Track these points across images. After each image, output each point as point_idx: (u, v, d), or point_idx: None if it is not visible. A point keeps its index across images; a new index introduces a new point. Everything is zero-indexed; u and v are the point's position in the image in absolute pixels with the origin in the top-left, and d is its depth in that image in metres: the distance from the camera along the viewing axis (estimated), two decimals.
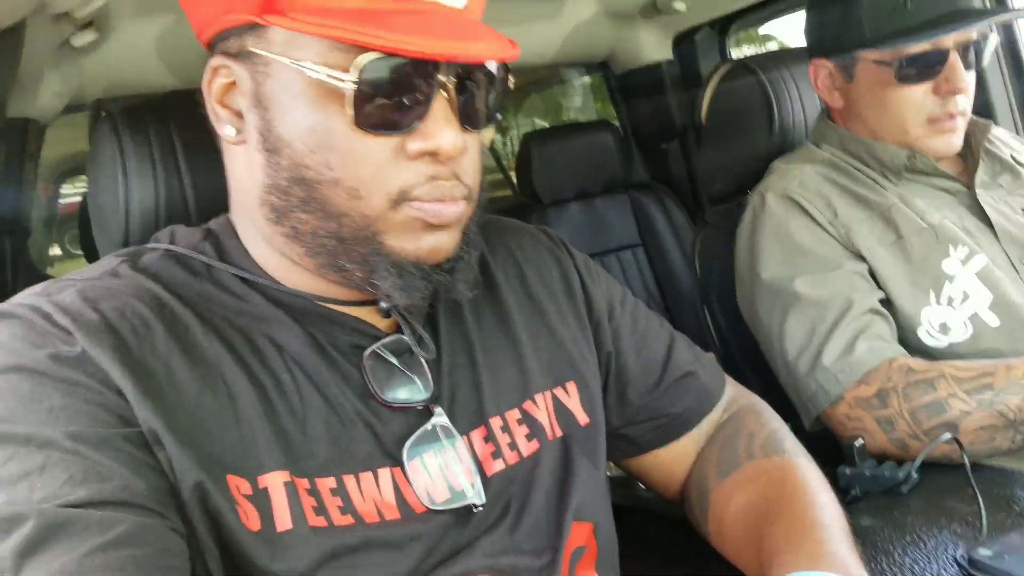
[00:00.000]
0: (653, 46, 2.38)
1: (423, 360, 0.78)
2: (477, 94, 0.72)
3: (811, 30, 1.39)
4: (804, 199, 1.28)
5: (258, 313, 0.74)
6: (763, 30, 2.79)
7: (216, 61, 0.72)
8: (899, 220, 1.25)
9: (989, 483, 0.95)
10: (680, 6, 2.04)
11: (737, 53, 2.44)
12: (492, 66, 0.72)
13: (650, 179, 2.61)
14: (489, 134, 0.84)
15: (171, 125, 0.96)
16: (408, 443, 0.74)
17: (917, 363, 1.12)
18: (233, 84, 0.72)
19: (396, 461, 0.73)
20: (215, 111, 0.73)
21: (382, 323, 0.79)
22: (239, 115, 0.72)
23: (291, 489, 0.67)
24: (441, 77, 0.68)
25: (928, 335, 1.19)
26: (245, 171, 0.74)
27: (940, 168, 1.30)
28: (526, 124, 4.90)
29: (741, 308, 1.39)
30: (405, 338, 0.77)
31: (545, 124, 4.40)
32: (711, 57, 2.36)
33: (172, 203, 0.95)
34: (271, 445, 0.68)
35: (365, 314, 0.78)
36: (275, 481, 0.67)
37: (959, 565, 0.81)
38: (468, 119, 0.71)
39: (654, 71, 2.41)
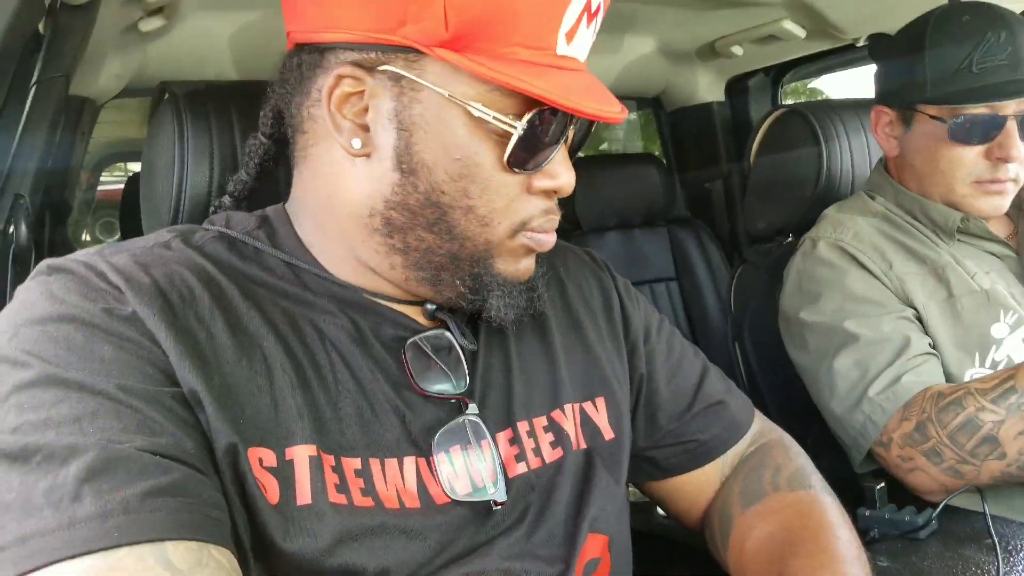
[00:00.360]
0: (706, 86, 2.42)
1: (461, 357, 0.81)
2: (576, 137, 0.82)
3: (879, 77, 1.42)
4: (858, 251, 1.30)
5: (303, 298, 0.77)
6: (813, 84, 2.82)
7: (345, 70, 0.72)
8: (952, 279, 1.26)
9: (1008, 535, 0.96)
10: (737, 51, 2.08)
11: (787, 102, 2.48)
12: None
13: (690, 215, 2.64)
14: None
15: (232, 114, 0.97)
16: (437, 435, 0.76)
17: (946, 387, 1.14)
18: (356, 94, 0.73)
19: (422, 451, 0.76)
20: (335, 120, 0.74)
21: (424, 323, 0.83)
22: (364, 128, 0.73)
23: (316, 464, 0.69)
24: (572, 127, 0.76)
25: None
26: (357, 180, 0.76)
27: (992, 233, 1.33)
28: None
29: (788, 349, 1.41)
30: (447, 334, 0.81)
31: (581, 154, 4.45)
32: (762, 102, 2.39)
33: (224, 187, 0.95)
34: (302, 418, 0.70)
35: (409, 312, 0.82)
36: (302, 454, 0.69)
37: None
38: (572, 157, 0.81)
39: (705, 110, 2.45)
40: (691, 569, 1.13)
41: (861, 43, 1.87)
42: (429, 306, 0.82)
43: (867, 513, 1.03)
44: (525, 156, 0.73)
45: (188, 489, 0.60)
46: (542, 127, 0.72)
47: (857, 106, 1.60)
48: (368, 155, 0.74)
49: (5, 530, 0.54)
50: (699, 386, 0.99)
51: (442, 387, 0.79)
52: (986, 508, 0.97)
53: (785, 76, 2.32)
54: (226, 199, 0.90)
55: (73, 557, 0.53)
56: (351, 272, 0.80)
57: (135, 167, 4.81)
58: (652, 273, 2.51)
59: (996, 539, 0.93)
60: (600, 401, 0.90)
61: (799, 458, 0.99)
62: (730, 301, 1.70)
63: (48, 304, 0.65)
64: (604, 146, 4.38)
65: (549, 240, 0.79)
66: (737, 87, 2.40)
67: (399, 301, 0.82)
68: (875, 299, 1.26)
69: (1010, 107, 1.23)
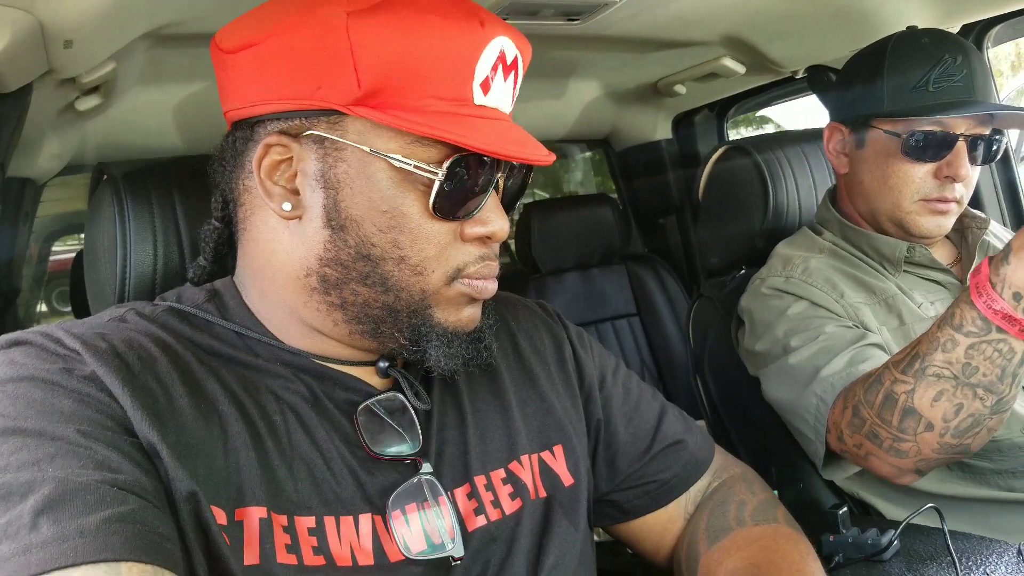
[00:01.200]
0: (653, 125, 2.48)
1: (415, 417, 0.82)
2: (511, 186, 0.84)
3: (834, 97, 1.47)
4: (809, 284, 1.33)
5: (256, 365, 0.78)
6: (763, 111, 2.89)
7: (272, 140, 0.75)
8: (901, 308, 1.30)
9: (968, 551, 0.98)
10: (680, 89, 2.14)
11: (734, 134, 2.54)
12: (528, 168, 0.85)
13: (647, 251, 2.68)
14: None
15: (174, 191, 0.97)
16: (393, 495, 0.77)
17: (872, 368, 1.16)
18: (285, 161, 0.76)
19: (378, 510, 0.76)
20: (265, 187, 0.77)
21: (377, 383, 0.84)
22: (295, 192, 0.76)
23: (266, 525, 0.69)
24: (499, 174, 0.78)
25: None
26: (291, 243, 0.78)
27: (936, 261, 1.36)
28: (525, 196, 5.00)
29: (752, 372, 1.43)
30: (399, 396, 0.82)
31: (544, 195, 4.51)
32: (709, 137, 2.45)
33: (170, 267, 0.96)
34: (254, 479, 0.70)
35: (362, 374, 0.83)
36: (252, 515, 0.69)
37: None
38: (507, 206, 0.82)
39: (654, 149, 2.51)
40: None
41: (800, 75, 1.93)
42: (382, 364, 0.83)
43: (831, 538, 1.05)
44: (451, 203, 0.75)
45: (144, 519, 0.60)
46: (466, 173, 0.74)
47: (800, 139, 1.64)
48: (300, 217, 0.77)
49: None
50: (657, 427, 1.00)
51: (396, 449, 0.80)
52: (944, 525, 0.99)
53: (730, 111, 2.38)
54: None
55: None
56: (299, 337, 0.81)
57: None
58: (613, 310, 2.54)
59: (955, 556, 0.95)
60: (558, 449, 0.91)
61: (763, 492, 1.00)
62: (689, 335, 1.72)
63: (8, 369, 0.67)
64: (566, 187, 4.43)
65: (488, 287, 0.80)
66: (684, 123, 2.46)
67: (351, 363, 0.83)
68: (830, 310, 1.29)
69: (961, 127, 1.28)
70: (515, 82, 0.80)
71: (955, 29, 1.72)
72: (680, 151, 2.48)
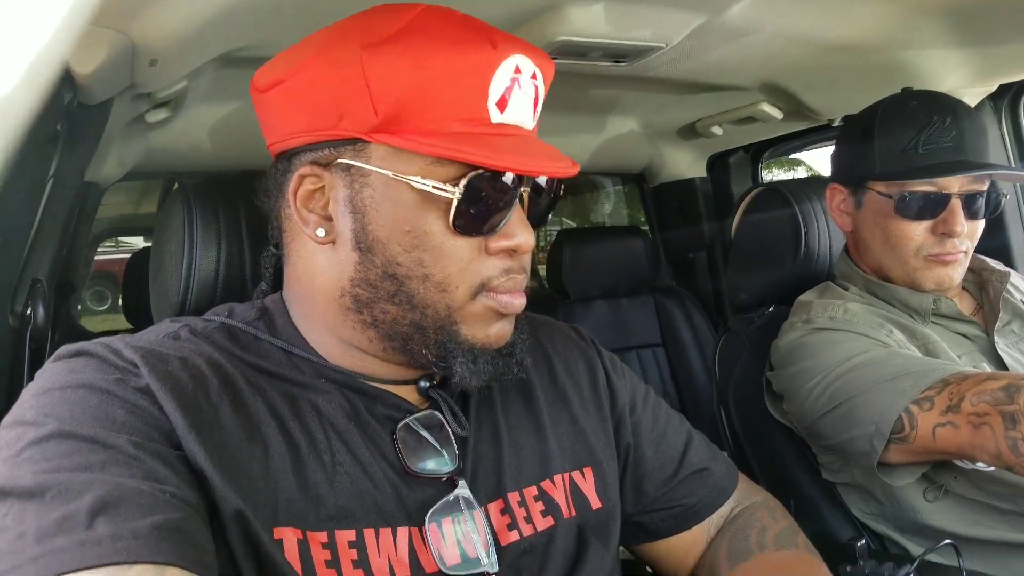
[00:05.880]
0: (687, 163, 2.54)
1: (451, 435, 0.85)
2: (540, 200, 0.86)
3: (834, 158, 1.53)
4: (854, 324, 1.35)
5: (301, 381, 0.82)
6: (795, 155, 2.94)
7: (305, 170, 0.80)
8: (941, 356, 1.32)
9: None
10: (717, 131, 2.20)
11: (766, 175, 2.60)
12: (556, 182, 0.86)
13: (675, 285, 2.73)
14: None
15: (239, 204, 1.02)
16: (431, 510, 0.80)
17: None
18: (318, 190, 0.81)
19: (416, 523, 0.79)
20: (301, 215, 0.81)
21: (417, 400, 0.87)
22: (328, 218, 0.81)
23: (303, 545, 0.72)
24: (523, 188, 0.81)
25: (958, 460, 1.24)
26: (326, 266, 0.82)
27: (963, 314, 1.40)
28: (553, 222, 5.08)
29: (777, 411, 1.46)
30: (437, 414, 0.85)
31: (572, 224, 4.58)
32: (743, 178, 2.51)
33: (231, 276, 1.01)
34: (292, 500, 0.73)
35: (403, 392, 0.87)
36: (290, 536, 0.72)
37: None
38: (535, 221, 0.84)
39: (687, 186, 2.58)
40: None
41: (836, 123, 1.99)
42: (423, 384, 0.87)
43: (848, 569, 1.09)
44: (472, 220, 0.77)
45: (190, 529, 0.63)
46: (483, 190, 0.76)
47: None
48: (333, 242, 0.81)
49: (20, 554, 0.57)
50: (684, 453, 1.04)
51: (434, 466, 0.82)
52: (960, 562, 1.03)
53: (764, 153, 2.44)
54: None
55: (85, 568, 0.56)
56: (341, 355, 0.85)
57: (128, 240, 4.92)
58: (638, 339, 2.59)
59: None
60: (588, 471, 0.94)
61: (784, 519, 1.04)
62: (715, 368, 1.77)
63: (66, 376, 0.71)
64: (595, 217, 4.50)
65: (515, 302, 0.82)
66: (718, 163, 2.52)
67: (392, 382, 0.86)
68: (885, 344, 1.30)
69: (954, 185, 1.32)
70: (536, 97, 0.82)
71: (992, 89, 1.77)
72: (714, 190, 2.54)
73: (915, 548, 1.33)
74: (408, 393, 0.87)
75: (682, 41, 1.44)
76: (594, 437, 0.97)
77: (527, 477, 0.89)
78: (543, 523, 0.87)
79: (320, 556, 0.72)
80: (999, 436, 1.06)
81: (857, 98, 1.75)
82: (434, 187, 0.76)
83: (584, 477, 0.94)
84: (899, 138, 1.35)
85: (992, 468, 1.22)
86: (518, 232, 0.80)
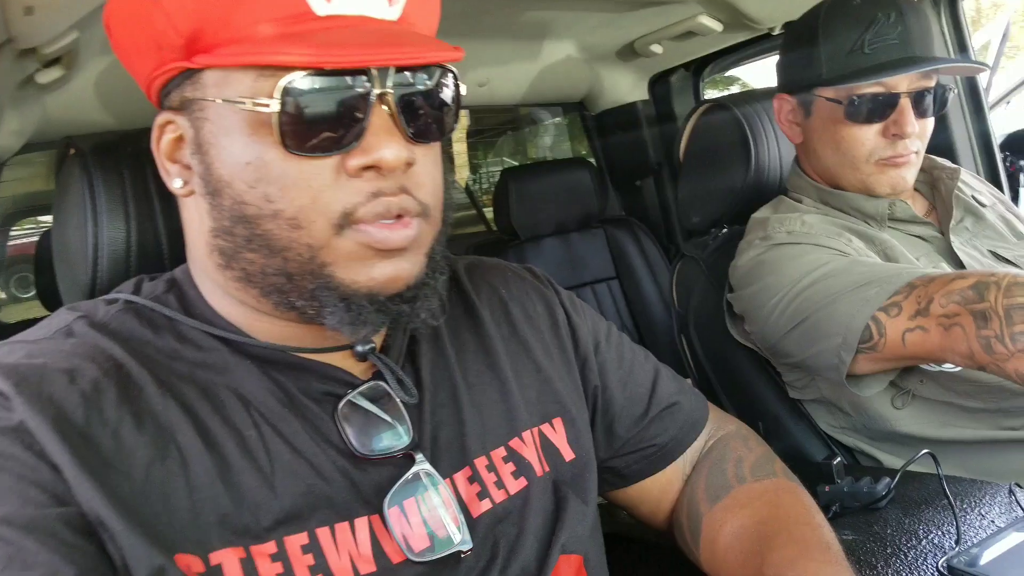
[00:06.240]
0: (628, 87, 2.46)
1: (401, 406, 0.76)
2: (423, 105, 0.69)
3: (779, 67, 1.47)
4: (812, 235, 1.30)
5: (222, 366, 0.71)
6: (731, 72, 2.88)
7: (162, 118, 0.72)
8: (900, 259, 1.29)
9: (962, 494, 1.00)
10: (657, 49, 2.12)
11: (708, 95, 2.53)
12: (443, 79, 0.70)
13: (625, 215, 2.68)
14: (459, 152, 0.84)
15: (146, 164, 0.91)
16: (390, 492, 0.71)
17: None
18: (178, 138, 0.71)
19: (375, 509, 0.71)
20: (164, 167, 0.73)
21: (358, 368, 0.77)
22: (187, 167, 0.71)
23: (248, 564, 0.64)
24: (376, 89, 0.65)
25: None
26: (195, 221, 0.73)
27: (918, 216, 1.37)
28: (495, 163, 4.99)
29: (739, 333, 1.42)
30: (383, 384, 0.76)
31: (514, 163, 4.49)
32: (685, 97, 2.44)
33: (144, 246, 0.91)
34: (226, 516, 0.64)
35: (339, 360, 0.76)
36: (230, 557, 0.63)
37: (940, 574, 0.85)
38: (417, 131, 0.69)
39: (629, 110, 2.49)
40: (661, 567, 1.13)
41: (777, 31, 1.92)
42: (359, 349, 0.75)
43: (826, 489, 1.06)
44: (305, 134, 0.64)
45: None
46: (308, 96, 0.63)
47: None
48: (193, 192, 0.71)
49: None
50: (652, 390, 0.99)
51: (387, 443, 0.73)
52: (939, 470, 1.00)
53: (705, 70, 2.37)
54: None
55: None
56: (256, 325, 0.74)
57: (47, 219, 4.68)
58: (592, 275, 2.54)
59: (952, 498, 0.96)
60: (557, 422, 0.88)
61: (759, 446, 1.00)
62: (673, 296, 1.72)
63: None
64: (537, 155, 4.42)
65: (392, 236, 0.67)
66: (659, 84, 2.44)
67: (323, 350, 0.75)
68: (847, 254, 1.26)
69: (903, 84, 1.27)
70: None
71: None
72: (656, 112, 2.47)
73: (887, 457, 1.31)
74: (344, 361, 0.77)
75: None
76: (560, 384, 0.90)
77: (493, 438, 0.81)
78: (516, 485, 0.80)
79: (270, 571, 0.64)
80: (971, 336, 1.03)
81: (798, 3, 1.68)
82: (254, 105, 0.64)
83: (554, 429, 0.87)
84: (844, 39, 1.29)
85: (959, 368, 1.19)
86: (377, 144, 0.65)
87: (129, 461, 0.62)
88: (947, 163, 1.45)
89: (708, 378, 1.59)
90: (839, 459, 1.09)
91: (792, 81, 1.41)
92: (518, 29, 1.99)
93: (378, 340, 0.80)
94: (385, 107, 0.66)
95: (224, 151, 0.67)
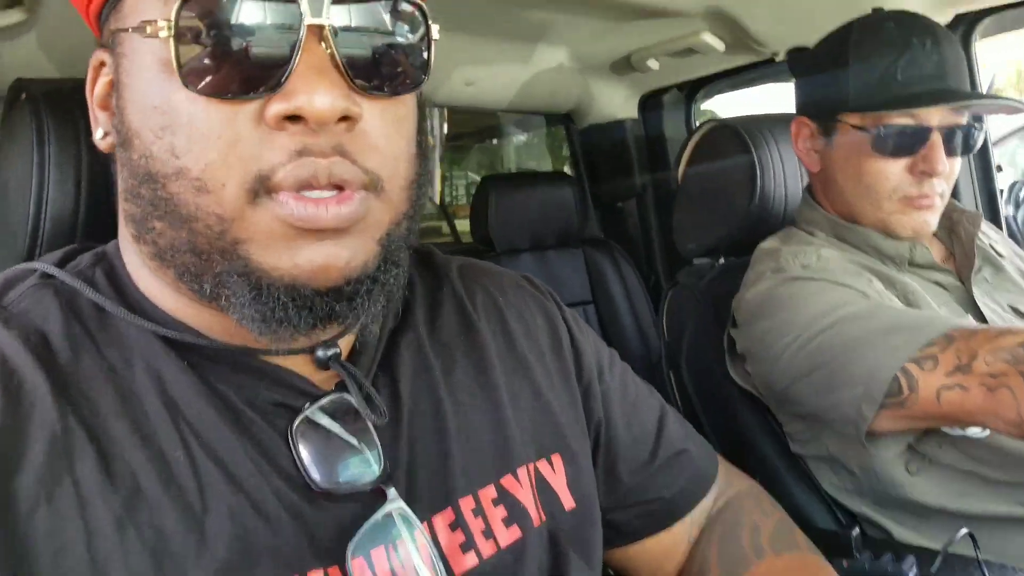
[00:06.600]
0: (619, 103, 2.35)
1: (370, 427, 0.62)
2: (378, 45, 0.56)
3: (800, 88, 1.36)
4: (830, 271, 1.18)
5: (147, 364, 0.57)
6: (707, 105, 2.75)
7: (95, 58, 0.61)
8: (921, 305, 1.18)
9: None
10: (653, 64, 2.01)
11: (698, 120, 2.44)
12: (405, 12, 0.57)
13: (604, 236, 2.56)
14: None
15: None
16: (354, 540, 0.57)
17: None
18: (110, 81, 0.60)
19: (334, 560, 0.56)
20: (95, 115, 0.62)
21: (319, 376, 0.63)
22: (114, 114, 0.59)
23: None
24: (310, 17, 0.52)
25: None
26: (118, 181, 0.61)
27: (938, 263, 1.27)
28: (459, 176, 4.85)
29: (739, 374, 1.30)
30: (349, 397, 0.61)
31: (477, 178, 4.35)
32: (677, 120, 2.33)
33: (96, 209, 0.80)
34: (137, 572, 0.50)
35: (297, 364, 0.62)
36: None
37: None
38: (366, 78, 0.54)
39: (618, 128, 2.38)
40: None
41: (780, 58, 1.82)
42: (320, 354, 0.62)
43: (844, 564, 0.94)
44: (210, 68, 0.51)
45: None
46: (219, 18, 0.51)
47: (787, 121, 1.53)
48: (112, 145, 0.59)
49: None
50: (659, 432, 0.85)
51: (353, 472, 0.59)
52: (978, 553, 0.89)
53: (699, 92, 2.26)
54: None
55: None
56: (193, 314, 0.60)
57: None
58: (568, 296, 2.41)
59: None
60: (556, 459, 0.73)
61: (774, 511, 0.88)
62: (663, 326, 1.60)
63: None
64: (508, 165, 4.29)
65: (318, 214, 0.52)
66: (651, 104, 2.33)
67: (278, 353, 0.61)
68: (868, 296, 1.14)
69: (935, 118, 1.17)
70: None
71: (948, 19, 1.63)
72: (646, 132, 2.36)
73: (895, 527, 1.19)
74: (303, 365, 0.63)
75: None
76: (562, 414, 0.75)
77: (483, 474, 0.67)
78: (507, 536, 0.65)
79: None
80: (1021, 400, 0.91)
81: (807, 27, 1.58)
82: (150, 31, 0.52)
83: (552, 468, 0.72)
84: (876, 64, 1.18)
85: (986, 434, 1.08)
86: (304, 88, 0.51)
87: (11, 505, 0.49)
88: (967, 208, 1.35)
89: (697, 420, 1.47)
90: (857, 530, 0.97)
91: (815, 104, 1.29)
92: (511, 29, 1.86)
93: (346, 344, 0.65)
94: (323, 43, 0.53)
95: (136, 92, 0.55)
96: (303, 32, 0.52)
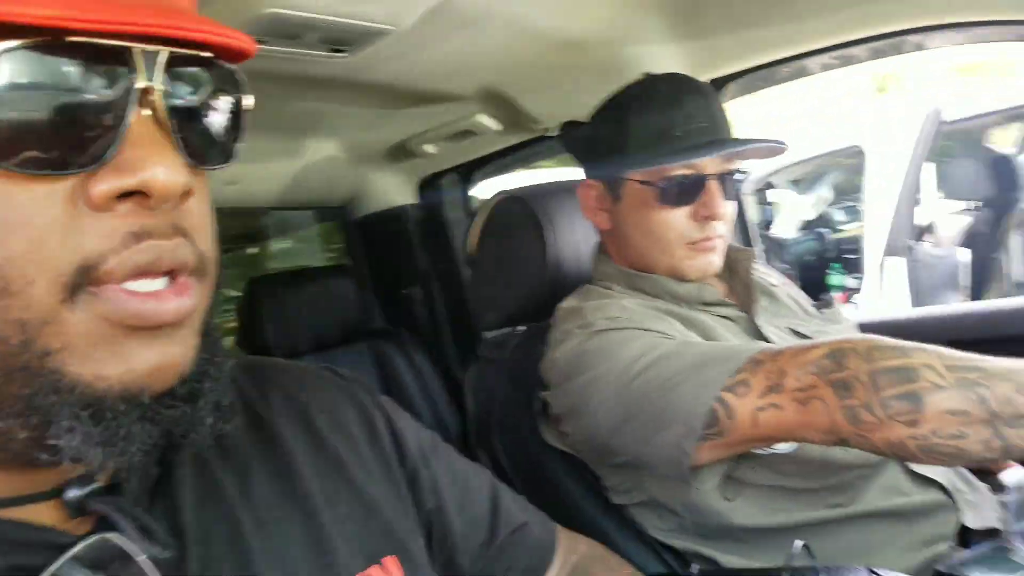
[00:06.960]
0: (396, 189, 2.34)
1: (150, 564, 0.51)
2: (204, 113, 0.50)
3: (581, 155, 1.43)
4: (633, 321, 1.22)
5: None
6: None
7: None
8: (719, 339, 1.25)
9: None
10: (430, 149, 2.03)
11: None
12: (228, 81, 0.52)
13: (390, 326, 2.52)
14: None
15: None
16: None
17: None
18: None
19: None
20: None
21: (68, 524, 0.52)
22: None
23: None
24: (140, 82, 0.45)
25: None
26: None
27: (724, 299, 1.36)
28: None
29: (579, 426, 1.27)
30: (113, 536, 0.50)
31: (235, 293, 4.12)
32: (456, 201, 2.36)
33: None
34: None
35: (42, 513, 0.51)
36: None
37: None
38: (196, 151, 0.49)
39: (398, 214, 2.36)
40: None
41: (552, 132, 1.91)
42: (71, 494, 0.51)
43: None
44: (24, 140, 0.42)
45: None
46: (30, 79, 0.42)
47: (571, 187, 1.60)
48: None
49: None
50: (494, 510, 0.82)
51: None
52: (814, 562, 0.92)
53: (475, 173, 2.31)
54: None
55: None
56: None
57: None
58: None
59: None
60: (390, 562, 0.66)
61: (622, 567, 0.89)
62: (469, 403, 1.57)
63: None
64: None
65: (159, 309, 0.46)
66: (430, 186, 2.34)
67: (12, 502, 0.50)
68: (671, 334, 1.19)
69: (710, 166, 1.28)
70: None
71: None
72: (426, 216, 2.36)
73: (722, 556, 1.22)
74: (49, 513, 0.51)
75: (414, 26, 1.25)
76: (390, 511, 0.69)
77: None
78: None
79: None
80: (832, 408, 0.96)
81: (575, 102, 1.68)
82: None
83: (386, 572, 0.65)
84: (654, 123, 1.28)
85: (792, 449, 1.14)
86: (144, 160, 0.44)
87: None
88: (741, 246, 1.47)
89: (517, 487, 1.43)
90: (697, 569, 0.98)
91: (600, 167, 1.36)
92: (278, 123, 1.81)
93: (104, 472, 0.53)
94: (148, 110, 0.46)
95: None
96: (134, 96, 0.45)
